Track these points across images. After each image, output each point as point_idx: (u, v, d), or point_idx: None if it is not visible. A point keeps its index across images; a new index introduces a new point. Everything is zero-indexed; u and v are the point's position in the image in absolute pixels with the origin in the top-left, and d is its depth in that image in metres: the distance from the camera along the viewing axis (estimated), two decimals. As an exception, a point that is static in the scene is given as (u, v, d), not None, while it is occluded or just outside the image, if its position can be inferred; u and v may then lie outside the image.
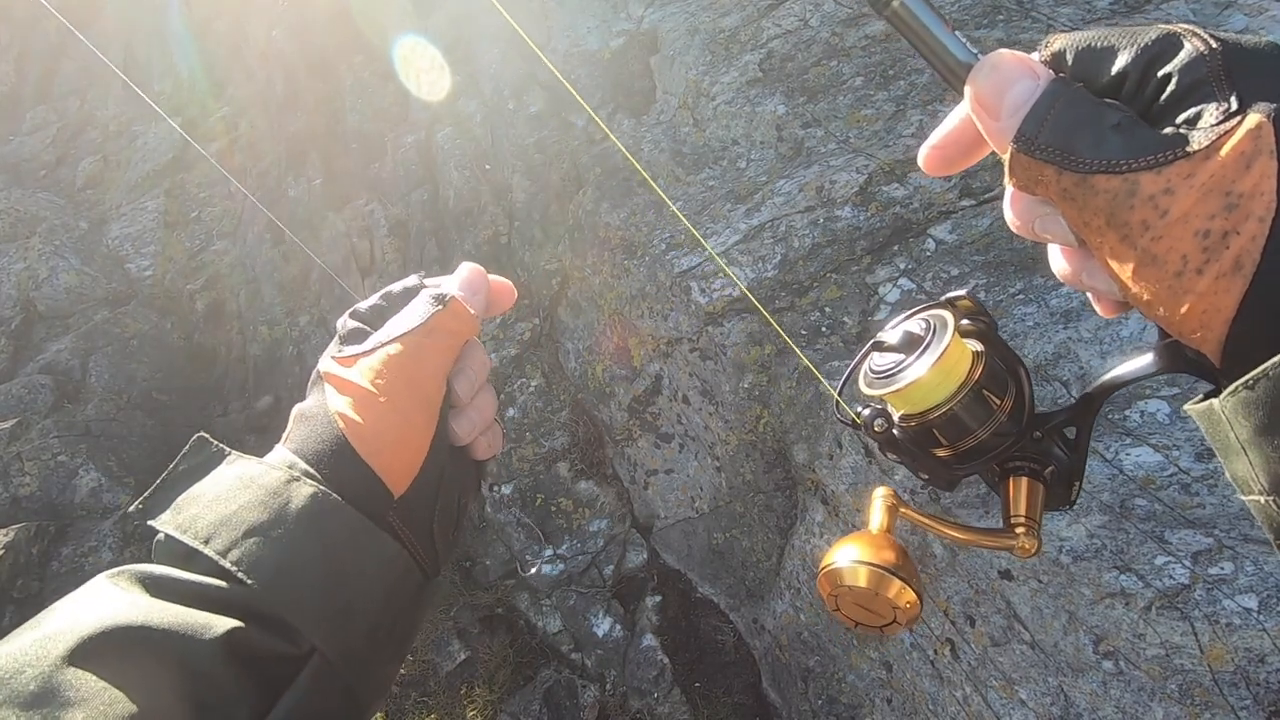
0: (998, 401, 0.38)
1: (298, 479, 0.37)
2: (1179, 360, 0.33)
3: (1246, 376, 0.27)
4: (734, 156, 2.82)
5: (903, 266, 2.25)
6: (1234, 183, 0.26)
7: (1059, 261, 0.35)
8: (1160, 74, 0.29)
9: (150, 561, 0.36)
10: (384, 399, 0.39)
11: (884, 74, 2.75)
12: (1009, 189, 0.32)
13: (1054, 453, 0.39)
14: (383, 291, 0.46)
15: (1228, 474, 0.31)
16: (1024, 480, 0.39)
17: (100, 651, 0.30)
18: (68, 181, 5.85)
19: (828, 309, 2.30)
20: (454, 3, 4.40)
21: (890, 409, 0.40)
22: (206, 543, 0.35)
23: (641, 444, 2.87)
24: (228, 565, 0.34)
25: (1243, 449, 0.29)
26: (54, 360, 4.27)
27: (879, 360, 0.40)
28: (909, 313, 0.41)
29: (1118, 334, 1.91)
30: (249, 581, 0.34)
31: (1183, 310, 0.28)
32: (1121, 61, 0.30)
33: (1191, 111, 0.28)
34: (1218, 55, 0.28)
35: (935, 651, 1.87)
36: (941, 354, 0.36)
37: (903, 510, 0.41)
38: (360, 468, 0.38)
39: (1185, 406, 0.33)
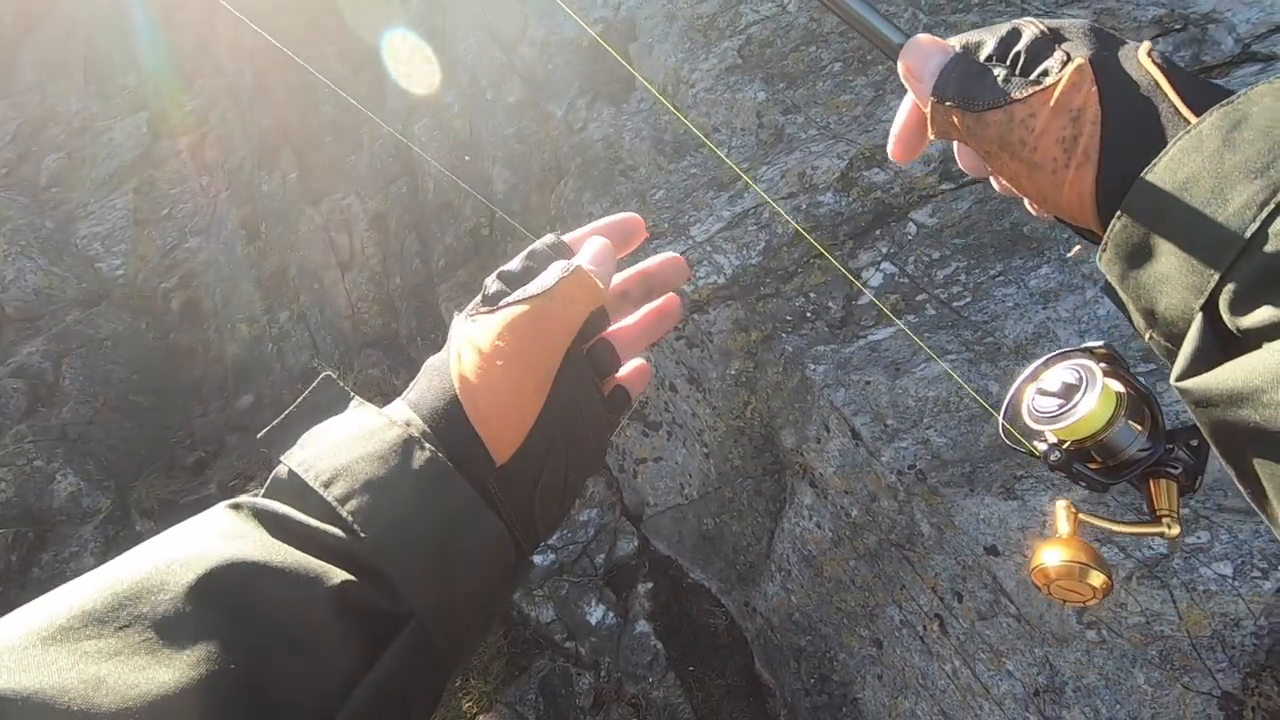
0: (1139, 428, 0.51)
1: (415, 440, 0.37)
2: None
3: (1103, 238, 0.38)
4: (715, 144, 2.82)
5: (885, 250, 2.27)
6: (1071, 101, 0.38)
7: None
8: (1014, 50, 0.42)
9: (264, 491, 0.37)
10: (500, 362, 0.39)
11: (862, 59, 2.76)
12: (950, 145, 0.46)
13: (1182, 457, 0.52)
14: (527, 251, 0.46)
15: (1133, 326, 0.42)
16: (1162, 481, 0.52)
17: (224, 586, 0.30)
18: (31, 180, 5.69)
19: (812, 295, 2.32)
20: (427, -9, 4.33)
21: (1050, 438, 0.53)
22: (327, 487, 0.35)
23: (629, 432, 2.88)
24: (344, 514, 0.34)
25: (1125, 300, 0.39)
26: (25, 363, 4.17)
27: (1041, 402, 0.51)
28: (1052, 357, 0.54)
29: (1095, 313, 1.95)
30: (362, 534, 0.34)
31: (1063, 198, 0.40)
32: (989, 46, 0.43)
33: (1041, 67, 0.40)
34: (1048, 32, 0.41)
35: (924, 627, 1.91)
36: (1098, 397, 0.49)
37: (1080, 515, 0.56)
38: (467, 432, 0.38)
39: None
